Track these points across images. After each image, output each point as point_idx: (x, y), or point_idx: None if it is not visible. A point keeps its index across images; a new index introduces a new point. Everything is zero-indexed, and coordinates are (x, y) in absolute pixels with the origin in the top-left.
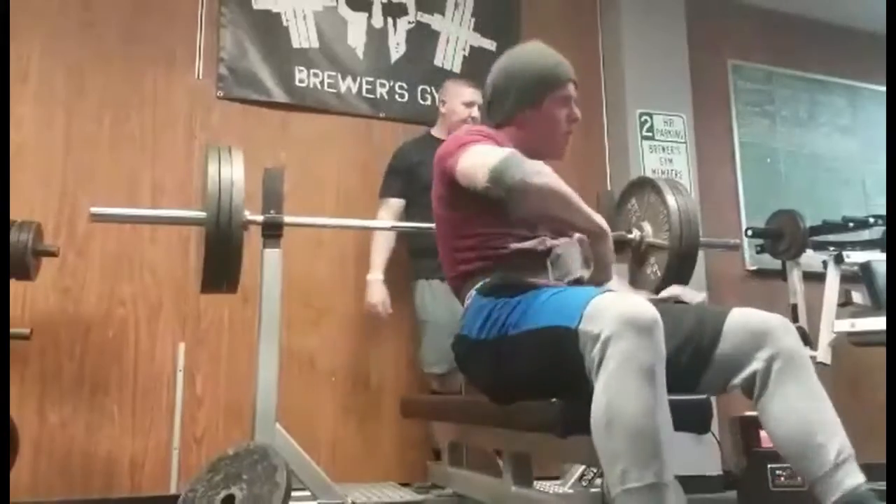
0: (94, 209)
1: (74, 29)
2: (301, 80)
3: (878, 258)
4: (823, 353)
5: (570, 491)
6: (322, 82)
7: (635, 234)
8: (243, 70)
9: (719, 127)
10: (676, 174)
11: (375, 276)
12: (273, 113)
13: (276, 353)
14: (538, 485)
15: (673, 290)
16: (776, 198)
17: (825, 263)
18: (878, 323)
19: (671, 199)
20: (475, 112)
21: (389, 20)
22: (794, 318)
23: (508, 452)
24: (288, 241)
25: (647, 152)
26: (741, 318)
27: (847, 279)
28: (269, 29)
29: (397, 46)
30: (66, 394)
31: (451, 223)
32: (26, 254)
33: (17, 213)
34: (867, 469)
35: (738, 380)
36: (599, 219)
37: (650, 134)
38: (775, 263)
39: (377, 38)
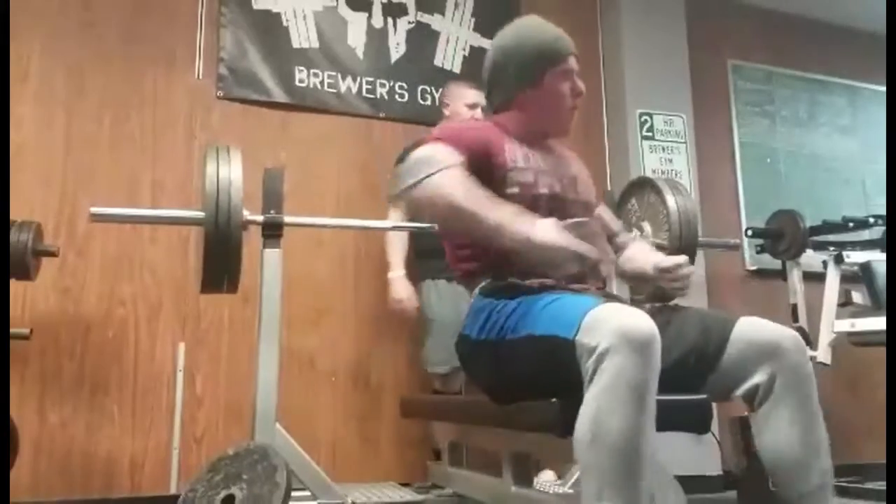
0: (94, 209)
1: (74, 29)
2: (301, 80)
3: (878, 258)
4: (823, 353)
5: (570, 491)
6: (322, 82)
7: (635, 233)
8: (243, 70)
9: (719, 127)
10: (676, 174)
11: (397, 273)
12: (273, 113)
13: (276, 353)
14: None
15: (677, 259)
16: (776, 198)
17: (825, 263)
18: (878, 323)
19: (671, 199)
20: (478, 114)
21: (389, 20)
22: (795, 318)
23: (508, 452)
24: (288, 241)
25: (647, 152)
26: (750, 329)
27: (847, 279)
28: (269, 29)
29: (397, 46)
30: (66, 394)
31: None
32: (26, 254)
33: (17, 213)
34: (867, 469)
35: (741, 391)
36: (529, 228)
37: (650, 134)
38: (775, 263)
39: (377, 38)
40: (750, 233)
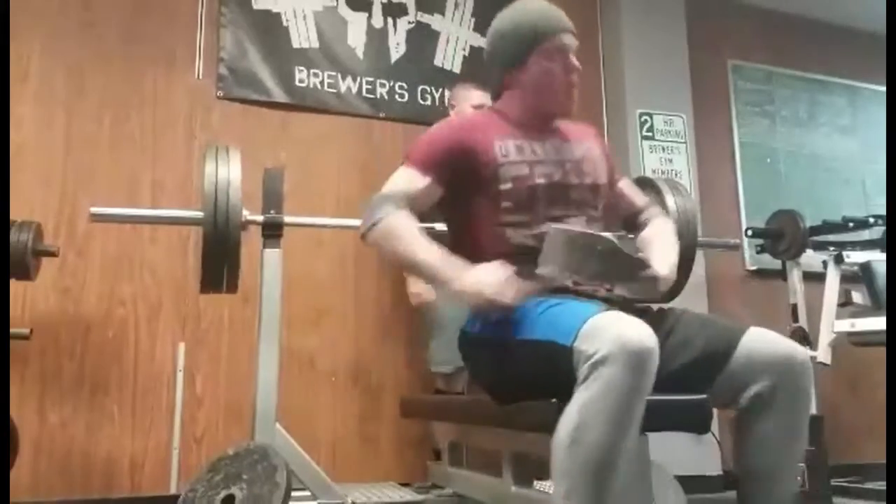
0: (94, 209)
1: (74, 29)
2: (301, 80)
3: (878, 258)
4: (823, 353)
5: None
6: (322, 82)
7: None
8: (243, 70)
9: (719, 127)
10: (676, 174)
11: None
12: (273, 113)
13: (276, 353)
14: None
15: (655, 273)
16: (776, 198)
17: (825, 263)
18: (878, 323)
19: (671, 200)
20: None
21: (389, 20)
22: (795, 318)
23: (508, 452)
24: (288, 241)
25: (647, 152)
26: (760, 339)
27: (847, 279)
28: (269, 29)
29: (397, 46)
30: (66, 394)
31: (453, 224)
32: (26, 254)
33: (17, 213)
34: (867, 469)
35: (744, 400)
36: (451, 278)
37: (650, 134)
38: (775, 263)
39: (377, 38)
40: (750, 233)
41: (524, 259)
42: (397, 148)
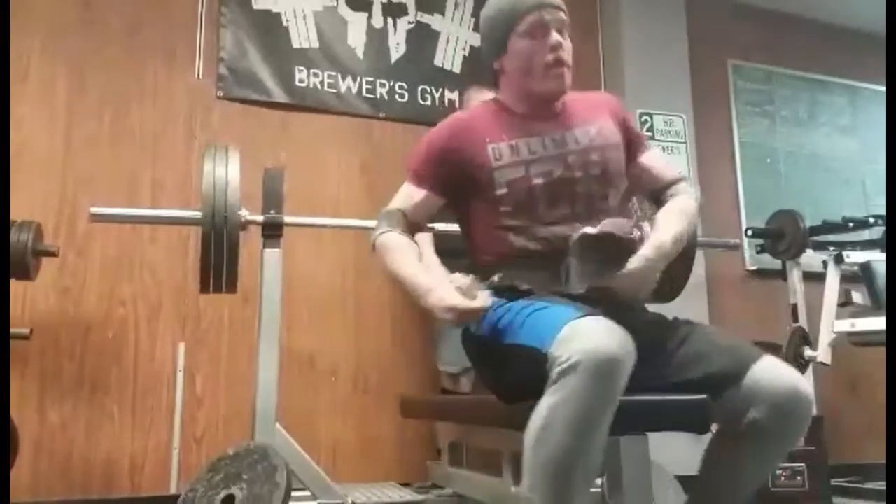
0: (94, 209)
1: (75, 29)
2: (301, 80)
3: (878, 258)
4: (823, 353)
5: None
6: (322, 82)
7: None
8: (243, 70)
9: (719, 127)
10: None
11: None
12: (273, 113)
13: (276, 353)
14: None
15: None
16: (776, 198)
17: (825, 263)
18: (878, 323)
19: None
20: None
21: (389, 20)
22: (795, 318)
23: (508, 452)
24: (288, 241)
25: None
26: (772, 370)
27: (847, 279)
28: (269, 29)
29: (397, 46)
30: (66, 394)
31: (461, 227)
32: (26, 254)
33: (17, 213)
34: (867, 469)
35: (741, 424)
36: (424, 294)
37: (650, 134)
38: (775, 263)
39: (377, 38)
40: (750, 233)
41: (527, 263)
42: (397, 148)
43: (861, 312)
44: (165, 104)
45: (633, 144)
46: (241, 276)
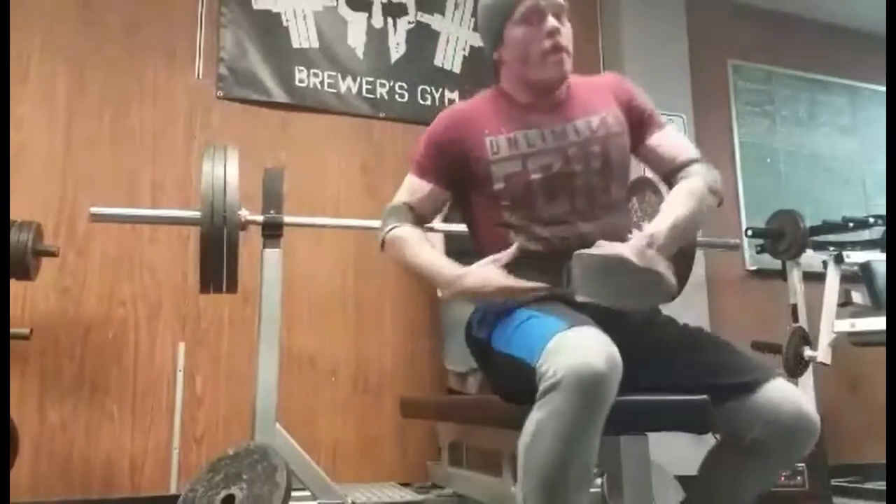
0: (94, 209)
1: (74, 29)
2: (301, 80)
3: (878, 258)
4: (823, 353)
5: None
6: (322, 82)
7: (635, 234)
8: (243, 70)
9: (719, 127)
10: None
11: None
12: (273, 113)
13: (276, 353)
14: None
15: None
16: (776, 198)
17: (825, 263)
18: (878, 323)
19: None
20: None
21: (389, 20)
22: (795, 318)
23: (508, 452)
24: (288, 241)
25: None
26: (784, 391)
27: (847, 279)
28: (269, 29)
29: (397, 46)
30: (66, 394)
31: (466, 223)
32: (26, 254)
33: (17, 213)
34: (867, 469)
35: (744, 439)
36: (451, 280)
37: None
38: (775, 263)
39: (377, 38)
40: (750, 233)
41: (527, 263)
42: (397, 148)
43: (861, 312)
44: (165, 104)
45: (642, 125)
46: (241, 276)
